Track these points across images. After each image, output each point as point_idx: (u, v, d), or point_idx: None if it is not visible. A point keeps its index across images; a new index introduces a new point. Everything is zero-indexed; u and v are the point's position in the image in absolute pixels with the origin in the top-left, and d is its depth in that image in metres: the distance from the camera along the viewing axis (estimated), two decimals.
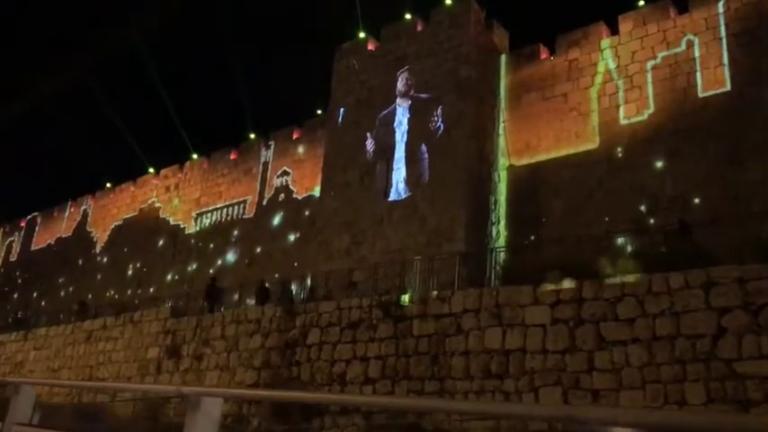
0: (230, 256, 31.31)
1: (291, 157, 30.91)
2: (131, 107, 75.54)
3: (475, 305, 14.51)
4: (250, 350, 18.54)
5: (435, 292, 15.56)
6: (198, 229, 33.68)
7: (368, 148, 24.89)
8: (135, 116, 76.62)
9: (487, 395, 13.48)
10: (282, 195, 30.49)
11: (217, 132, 54.84)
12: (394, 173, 23.84)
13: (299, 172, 30.25)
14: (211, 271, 31.30)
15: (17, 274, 45.26)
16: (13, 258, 46.85)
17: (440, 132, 22.97)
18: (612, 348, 12.32)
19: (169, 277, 33.72)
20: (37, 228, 45.92)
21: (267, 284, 23.77)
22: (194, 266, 32.62)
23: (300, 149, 30.68)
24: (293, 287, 22.81)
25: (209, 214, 33.52)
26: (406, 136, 24.06)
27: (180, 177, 36.25)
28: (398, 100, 24.84)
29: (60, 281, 40.30)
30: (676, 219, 19.47)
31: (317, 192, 28.92)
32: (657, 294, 12.18)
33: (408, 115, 24.28)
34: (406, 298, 15.89)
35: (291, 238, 29.15)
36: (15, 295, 43.92)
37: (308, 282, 23.44)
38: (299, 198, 29.72)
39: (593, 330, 12.67)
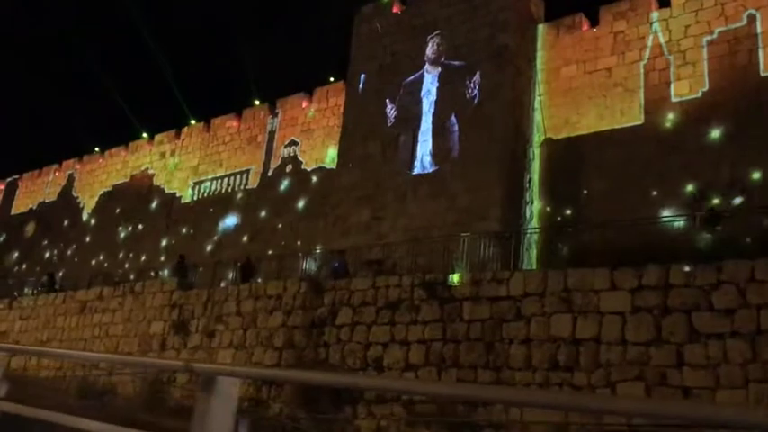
0: (231, 229, 29.48)
1: (300, 127, 29.09)
2: (122, 68, 71.96)
3: (538, 288, 13.05)
4: (270, 328, 16.92)
5: (490, 273, 14.04)
6: (195, 198, 31.76)
7: (390, 118, 23.23)
8: (126, 78, 72.73)
9: (554, 388, 12.06)
10: (290, 166, 28.71)
11: (217, 98, 51.83)
12: (419, 145, 22.23)
13: (309, 143, 28.48)
14: (209, 247, 29.53)
15: None
16: None
17: (474, 103, 21.39)
18: (707, 342, 10.95)
19: (163, 247, 31.80)
20: (17, 191, 43.47)
21: (252, 261, 22.35)
22: (190, 238, 30.73)
23: (310, 119, 28.88)
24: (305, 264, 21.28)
25: (207, 183, 31.60)
26: (434, 106, 22.44)
27: (176, 144, 34.20)
28: (427, 67, 23.17)
29: (43, 246, 38.10)
30: (729, 203, 18.23)
31: (328, 163, 27.26)
32: (763, 282, 10.81)
33: (437, 84, 22.64)
34: (454, 278, 14.37)
35: (298, 211, 27.43)
36: None
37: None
38: (309, 170, 27.98)
39: (684, 320, 11.28)
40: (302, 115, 29.25)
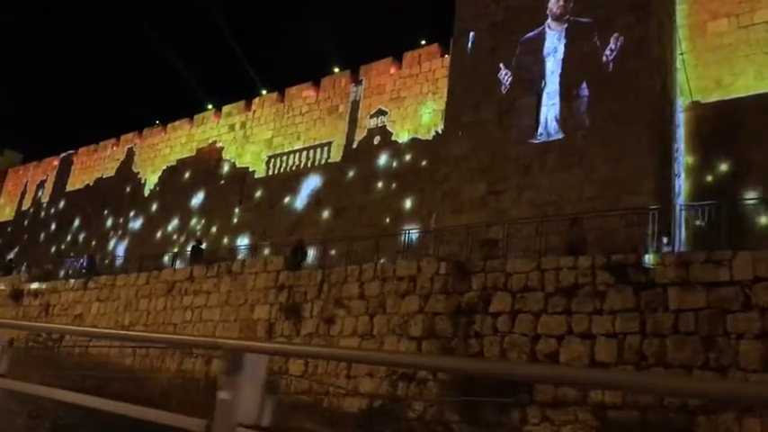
0: (311, 206, 27.31)
1: (389, 95, 26.71)
2: (182, 37, 69.02)
3: None
4: (403, 314, 14.67)
5: (703, 254, 11.55)
6: (271, 173, 29.64)
7: (505, 80, 20.71)
8: (187, 48, 69.49)
9: None
10: (378, 138, 26.39)
11: (290, 66, 48.55)
12: (544, 109, 19.70)
13: (399, 112, 26.10)
14: (286, 225, 27.40)
15: (50, 216, 41.36)
16: (44, 200, 42.91)
17: (612, 62, 18.77)
18: None
19: (235, 224, 29.78)
20: (72, 167, 41.88)
21: (304, 243, 20.69)
22: (265, 215, 28.65)
23: (400, 86, 26.47)
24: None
25: (284, 157, 29.44)
26: (560, 66, 19.86)
27: (247, 115, 32.08)
28: (549, 23, 20.56)
29: (103, 225, 36.42)
30: None
31: (422, 134, 24.90)
32: None
33: (564, 41, 20.04)
34: (651, 258, 11.93)
35: (388, 186, 25.12)
36: (42, 238, 40.06)
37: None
38: (400, 141, 25.62)
39: None
40: (390, 82, 26.84)
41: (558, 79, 19.76)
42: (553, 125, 19.38)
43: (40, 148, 46.80)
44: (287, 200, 28.22)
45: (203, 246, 25.70)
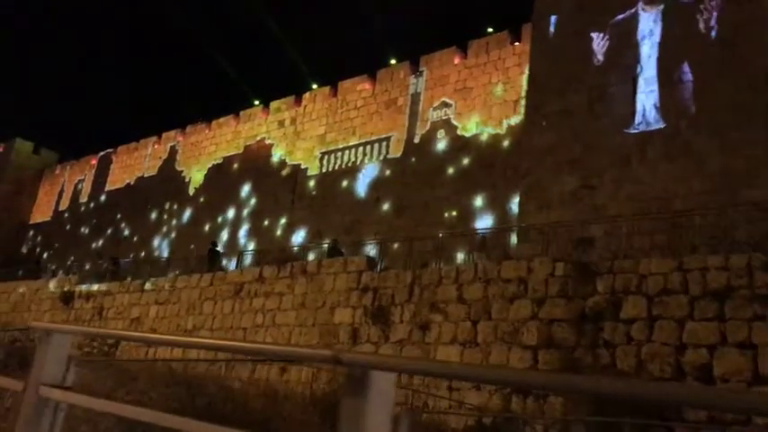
0: (369, 204, 25.93)
1: (453, 86, 25.26)
2: (224, 33, 67.25)
3: None
4: (513, 321, 13.20)
5: None
6: (324, 170, 28.32)
7: (596, 66, 19.18)
8: (230, 43, 67.35)
9: None
10: (442, 132, 24.95)
11: (340, 59, 46.57)
12: (641, 97, 18.15)
13: (465, 103, 24.64)
14: (342, 223, 26.05)
15: (89, 216, 40.43)
16: (83, 200, 42.02)
17: (719, 44, 17.18)
18: None
19: (285, 223, 28.50)
20: (112, 166, 40.93)
21: (339, 243, 20.38)
22: (320, 213, 27.33)
23: (465, 76, 25.02)
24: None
25: (338, 153, 28.11)
26: (657, 50, 18.31)
27: (297, 111, 30.81)
28: (642, 5, 19.02)
29: (146, 224, 35.35)
30: None
31: (492, 127, 23.44)
32: None
33: (660, 23, 18.48)
34: None
35: (455, 183, 23.68)
36: (80, 238, 39.11)
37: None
38: (467, 135, 24.16)
39: None
40: (455, 73, 25.40)
41: (655, 64, 18.21)
42: (652, 113, 17.83)
43: (76, 148, 45.96)
44: (342, 198, 26.89)
45: (219, 248, 25.02)
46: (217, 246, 25.37)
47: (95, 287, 22.96)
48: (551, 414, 12.02)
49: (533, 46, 21.16)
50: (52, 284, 24.89)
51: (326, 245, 21.15)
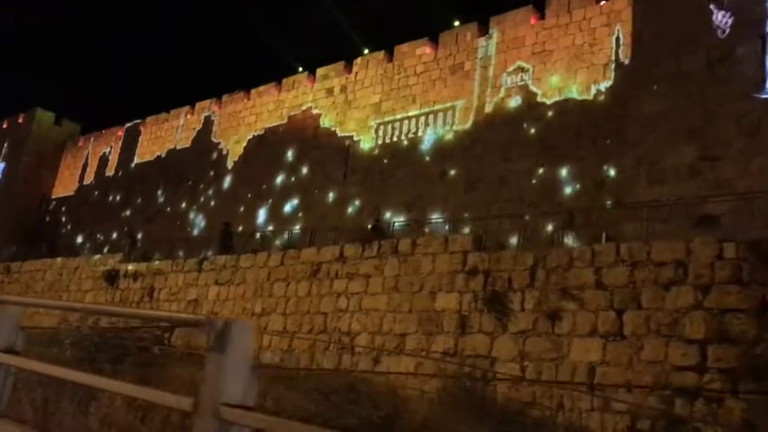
0: (434, 179, 23.91)
1: (530, 49, 23.10)
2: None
3: None
4: (670, 311, 11.27)
5: None
6: (380, 142, 26.28)
7: (719, 24, 17.05)
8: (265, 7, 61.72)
9: None
10: (518, 99, 22.83)
11: (395, 21, 42.88)
12: None
13: (545, 68, 22.49)
14: (404, 200, 24.07)
15: (116, 190, 38.50)
16: (109, 173, 40.05)
17: None
18: None
19: (336, 199, 26.54)
20: (140, 138, 38.89)
21: (381, 222, 19.31)
22: (378, 189, 25.34)
23: (544, 38, 22.85)
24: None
25: (396, 124, 26.02)
26: None
27: (347, 78, 28.66)
28: None
29: (180, 200, 33.43)
30: None
31: (578, 93, 21.34)
32: None
33: None
34: None
35: (534, 155, 21.62)
36: (108, 213, 37.17)
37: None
38: (548, 102, 22.05)
39: None
40: (531, 34, 23.22)
41: None
42: None
43: (99, 119, 43.78)
44: (403, 172, 24.87)
45: (231, 228, 23.48)
46: (230, 225, 23.70)
47: (144, 266, 21.07)
48: (728, 420, 10.15)
49: (636, 2, 18.98)
50: (94, 261, 23.03)
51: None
